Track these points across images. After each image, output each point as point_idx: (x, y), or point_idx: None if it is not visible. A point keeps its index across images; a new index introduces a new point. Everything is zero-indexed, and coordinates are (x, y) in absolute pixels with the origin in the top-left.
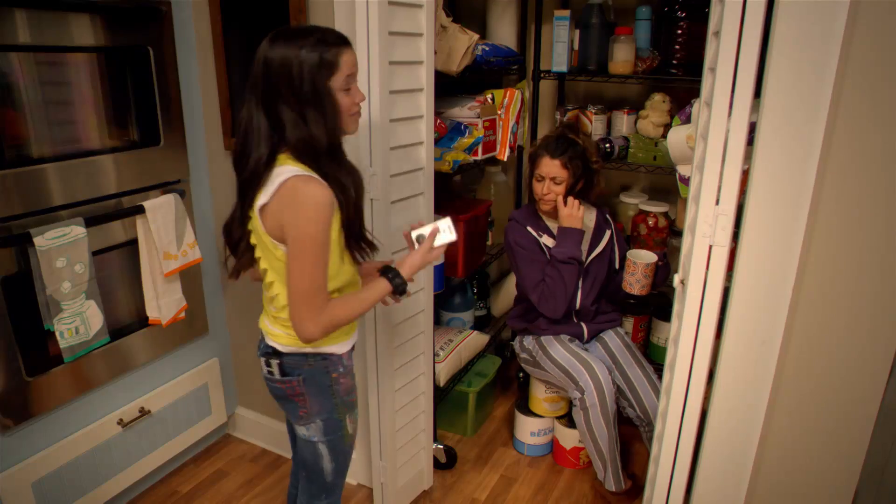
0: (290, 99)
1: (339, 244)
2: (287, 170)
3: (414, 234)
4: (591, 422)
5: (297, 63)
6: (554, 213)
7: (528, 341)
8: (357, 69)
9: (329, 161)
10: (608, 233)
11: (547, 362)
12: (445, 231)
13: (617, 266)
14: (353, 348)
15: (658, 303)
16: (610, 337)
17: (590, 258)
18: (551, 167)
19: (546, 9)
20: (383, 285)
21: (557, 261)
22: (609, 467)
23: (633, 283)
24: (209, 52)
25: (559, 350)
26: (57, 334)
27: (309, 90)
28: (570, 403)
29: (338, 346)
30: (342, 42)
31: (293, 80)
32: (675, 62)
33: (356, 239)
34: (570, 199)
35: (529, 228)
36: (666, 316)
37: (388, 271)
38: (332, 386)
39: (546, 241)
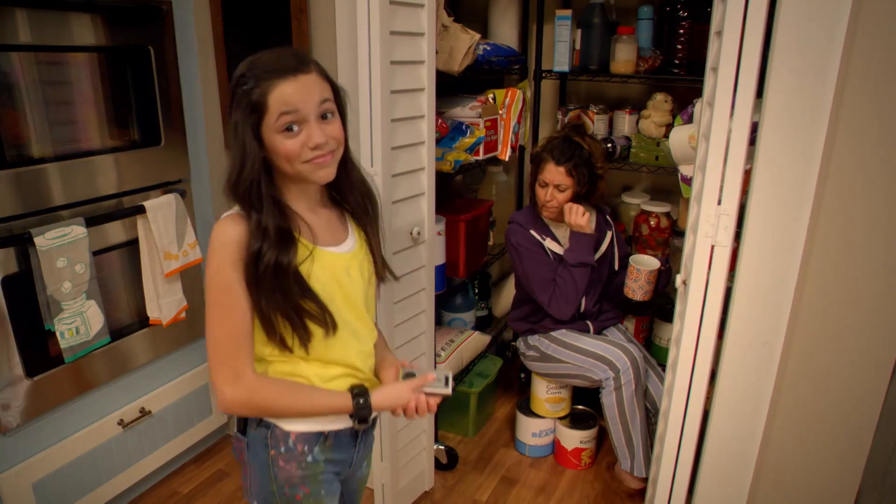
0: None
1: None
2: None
3: (402, 372)
4: (625, 402)
5: (230, 94)
6: (558, 218)
7: (535, 339)
8: (308, 104)
9: (252, 203)
10: (609, 234)
11: (566, 352)
12: (441, 382)
13: (616, 267)
14: (323, 437)
15: (660, 303)
16: (613, 333)
17: None
18: (555, 174)
19: (548, 8)
20: (344, 403)
21: (570, 265)
22: (640, 450)
23: (636, 290)
24: (210, 52)
25: (581, 338)
26: (57, 334)
27: (231, 130)
28: (595, 392)
29: (283, 420)
30: (282, 72)
31: (230, 113)
32: (677, 62)
33: (284, 313)
34: (575, 208)
35: (532, 232)
36: (667, 316)
37: (357, 390)
38: (271, 466)
39: (549, 244)
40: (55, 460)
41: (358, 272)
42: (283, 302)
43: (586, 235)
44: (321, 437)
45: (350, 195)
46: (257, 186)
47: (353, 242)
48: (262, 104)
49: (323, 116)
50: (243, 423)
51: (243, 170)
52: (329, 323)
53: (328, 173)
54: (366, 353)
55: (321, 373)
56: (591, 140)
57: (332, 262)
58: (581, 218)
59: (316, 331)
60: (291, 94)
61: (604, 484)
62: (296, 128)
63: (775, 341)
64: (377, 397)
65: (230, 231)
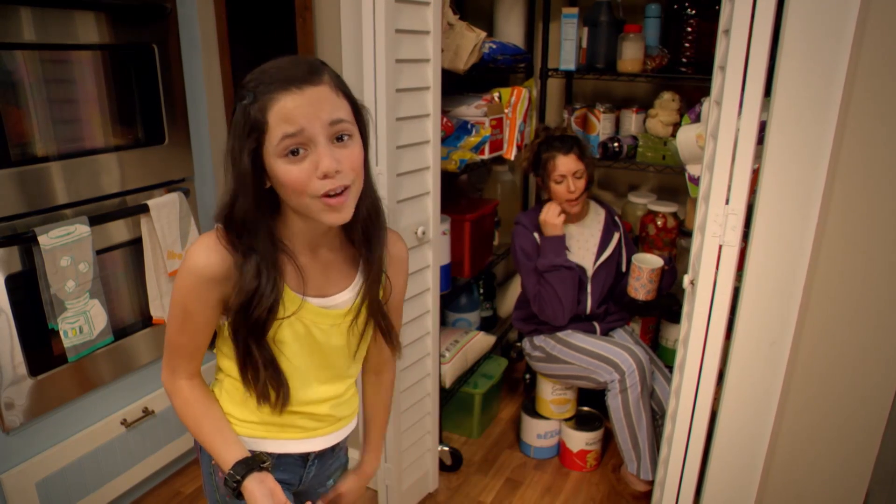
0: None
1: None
2: None
3: None
4: (631, 404)
5: (234, 112)
6: (571, 218)
7: (540, 339)
8: (315, 124)
9: (247, 239)
10: (617, 235)
11: (571, 353)
12: None
13: (624, 269)
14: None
15: (666, 304)
16: (619, 335)
17: (598, 262)
18: (569, 163)
19: (554, 6)
20: (225, 463)
21: (541, 272)
22: (646, 454)
23: (639, 289)
24: (214, 50)
25: (587, 339)
26: (61, 333)
27: (228, 151)
28: (601, 393)
29: None
30: (285, 83)
31: (229, 133)
32: (684, 60)
33: (250, 368)
34: (549, 206)
35: (536, 235)
36: (674, 317)
37: (243, 467)
38: (213, 474)
39: None
40: (58, 459)
41: (348, 329)
42: (249, 347)
43: (553, 238)
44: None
45: (353, 230)
46: (252, 224)
47: (354, 293)
48: (262, 122)
49: (338, 138)
50: None
51: (236, 203)
52: (280, 399)
53: (342, 217)
54: (330, 398)
55: (264, 406)
56: (570, 131)
57: (314, 319)
58: (555, 217)
59: (271, 393)
60: (294, 109)
61: (609, 486)
62: (301, 151)
63: (783, 341)
64: (252, 488)
65: (203, 261)
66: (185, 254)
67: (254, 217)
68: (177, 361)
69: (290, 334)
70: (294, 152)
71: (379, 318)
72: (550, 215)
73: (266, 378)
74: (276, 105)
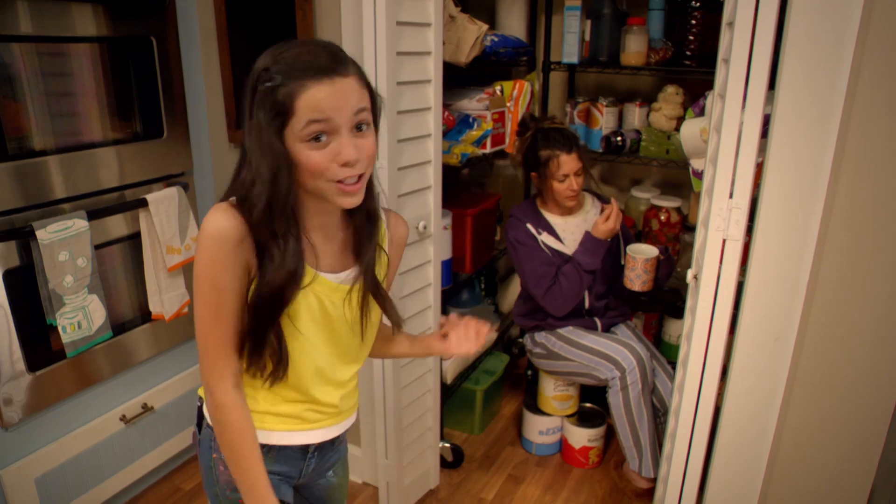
0: (246, 134)
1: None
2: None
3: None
4: (632, 401)
5: (251, 89)
6: (566, 210)
7: (542, 335)
8: (342, 113)
9: (268, 226)
10: None
11: (572, 350)
12: None
13: (623, 262)
14: (266, 449)
15: (669, 299)
16: (622, 330)
17: None
18: (572, 163)
19: None
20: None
21: (584, 269)
22: (647, 451)
23: (634, 279)
24: (213, 43)
25: (587, 336)
26: (59, 329)
27: (252, 133)
28: (603, 389)
29: None
30: (315, 72)
31: (245, 111)
32: (688, 53)
33: (255, 341)
34: (617, 212)
35: (529, 226)
36: (677, 313)
37: None
38: (213, 468)
39: (545, 238)
40: (57, 456)
41: (355, 304)
42: (256, 323)
43: (602, 243)
44: (264, 448)
45: (357, 215)
46: (283, 205)
47: (359, 270)
48: (289, 107)
49: (357, 128)
50: (199, 419)
51: (274, 185)
52: (281, 368)
53: (355, 201)
54: (337, 385)
55: (268, 395)
56: (557, 121)
57: (327, 293)
58: (617, 224)
59: (268, 365)
60: (324, 99)
61: (612, 483)
62: (324, 138)
63: (788, 337)
64: None
65: (224, 225)
66: (201, 229)
67: (292, 196)
68: (220, 361)
69: (304, 307)
70: (317, 138)
71: (378, 296)
72: (615, 221)
73: (269, 353)
74: (307, 92)
